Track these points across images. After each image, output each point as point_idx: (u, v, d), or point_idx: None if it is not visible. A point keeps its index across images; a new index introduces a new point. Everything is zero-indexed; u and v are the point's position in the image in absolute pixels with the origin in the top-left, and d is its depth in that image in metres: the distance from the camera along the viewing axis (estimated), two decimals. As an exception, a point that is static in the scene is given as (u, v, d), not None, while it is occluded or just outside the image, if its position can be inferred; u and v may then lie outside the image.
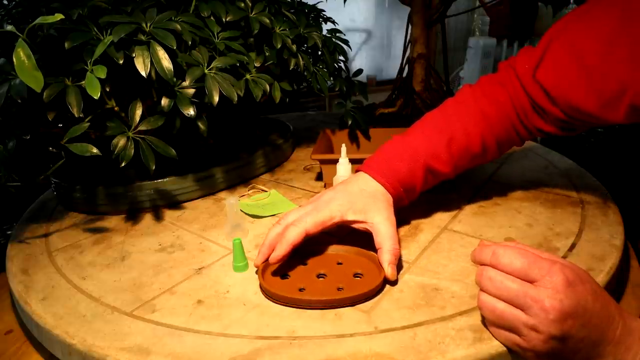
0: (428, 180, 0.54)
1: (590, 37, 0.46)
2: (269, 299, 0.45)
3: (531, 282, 0.34)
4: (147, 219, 0.64)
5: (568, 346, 0.33)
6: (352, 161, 0.63)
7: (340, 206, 0.49)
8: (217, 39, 0.61)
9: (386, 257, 0.46)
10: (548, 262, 0.34)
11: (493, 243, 0.37)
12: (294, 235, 0.46)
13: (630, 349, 0.34)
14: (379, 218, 0.49)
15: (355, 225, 0.50)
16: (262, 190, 0.71)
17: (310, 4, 0.87)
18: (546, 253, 0.36)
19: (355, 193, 0.50)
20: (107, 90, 0.54)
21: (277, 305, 0.44)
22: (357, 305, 0.43)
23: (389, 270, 0.45)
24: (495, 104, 0.54)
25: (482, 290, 0.36)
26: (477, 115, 0.54)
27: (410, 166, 0.52)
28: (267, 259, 0.47)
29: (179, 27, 0.54)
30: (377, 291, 0.45)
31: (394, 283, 0.46)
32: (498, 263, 0.35)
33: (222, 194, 0.71)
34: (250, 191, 0.71)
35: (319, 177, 0.75)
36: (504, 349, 0.37)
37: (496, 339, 0.38)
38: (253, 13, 0.66)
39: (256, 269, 0.48)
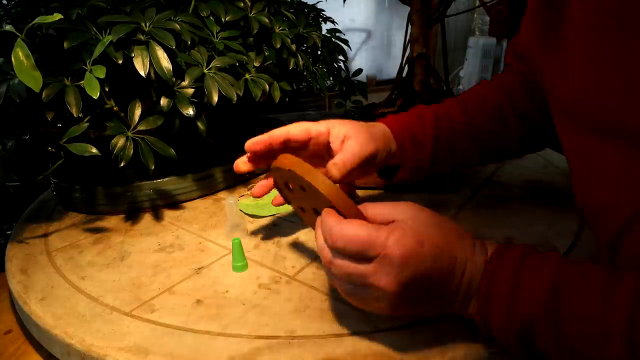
0: (441, 129, 0.50)
1: None
2: (276, 170, 0.40)
3: (370, 260, 0.33)
4: (147, 219, 0.63)
5: (416, 308, 0.35)
6: (352, 161, 0.63)
7: (327, 122, 0.48)
8: (217, 38, 0.61)
9: (336, 159, 0.43)
10: (382, 238, 0.33)
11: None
12: (277, 132, 0.47)
13: (475, 288, 0.34)
14: (352, 132, 0.45)
15: (332, 138, 0.47)
16: (262, 190, 0.71)
17: (310, 3, 0.87)
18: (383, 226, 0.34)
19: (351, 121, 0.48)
20: (106, 90, 0.54)
21: (276, 305, 0.44)
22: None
23: (332, 170, 0.42)
24: (488, 98, 0.54)
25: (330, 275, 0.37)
26: (476, 99, 0.54)
27: (419, 113, 0.51)
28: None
29: (178, 26, 0.54)
30: None
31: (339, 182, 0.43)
32: (335, 247, 0.34)
33: (222, 194, 0.71)
34: (250, 191, 0.71)
35: (319, 177, 0.75)
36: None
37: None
38: (252, 13, 0.66)
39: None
